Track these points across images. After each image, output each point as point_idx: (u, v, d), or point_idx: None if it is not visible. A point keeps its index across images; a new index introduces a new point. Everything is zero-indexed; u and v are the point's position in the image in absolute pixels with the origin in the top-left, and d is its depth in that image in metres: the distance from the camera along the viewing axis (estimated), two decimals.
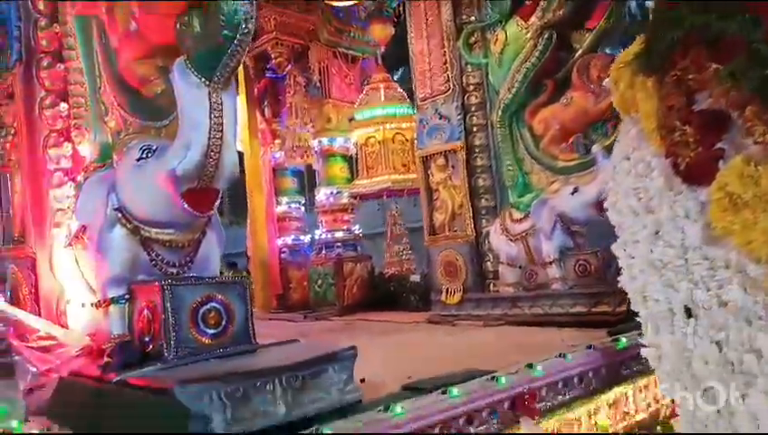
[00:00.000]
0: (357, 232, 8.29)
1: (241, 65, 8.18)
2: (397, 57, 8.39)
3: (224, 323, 2.44)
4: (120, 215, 2.57)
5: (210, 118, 2.35)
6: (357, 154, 7.73)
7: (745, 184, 1.44)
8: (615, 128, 5.07)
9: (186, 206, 2.46)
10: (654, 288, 1.89)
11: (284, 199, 9.01)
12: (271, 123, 8.78)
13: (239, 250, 9.17)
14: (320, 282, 7.78)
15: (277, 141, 8.71)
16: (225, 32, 2.27)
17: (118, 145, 2.76)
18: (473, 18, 5.78)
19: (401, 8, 6.88)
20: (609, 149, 4.84)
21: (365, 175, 7.45)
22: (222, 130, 2.38)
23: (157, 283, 2.37)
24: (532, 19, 5.26)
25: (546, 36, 5.16)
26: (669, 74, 1.80)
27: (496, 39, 5.53)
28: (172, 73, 2.39)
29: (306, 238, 8.84)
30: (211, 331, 2.40)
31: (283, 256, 8.62)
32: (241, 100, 8.40)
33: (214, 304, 2.43)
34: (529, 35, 5.27)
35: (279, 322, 7.19)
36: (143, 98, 2.72)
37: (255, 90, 8.59)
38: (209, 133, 2.35)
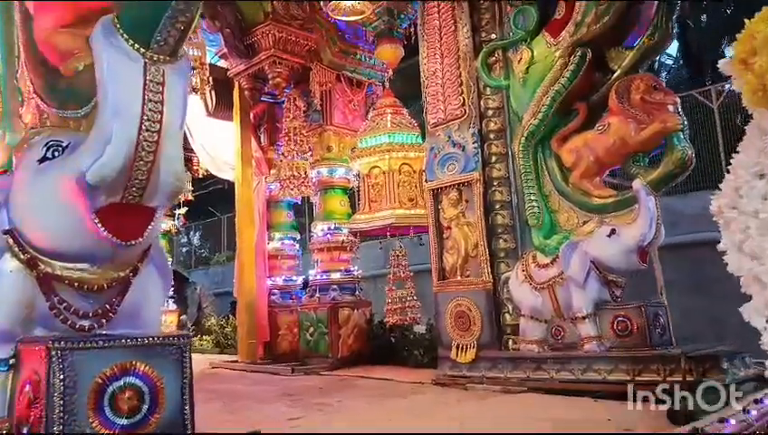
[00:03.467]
0: (356, 273, 7.49)
1: (236, 86, 7.47)
2: (406, 91, 7.76)
3: (145, 407, 1.62)
4: (10, 241, 1.80)
5: (144, 101, 1.61)
6: (359, 186, 6.99)
7: None
8: (658, 159, 4.38)
9: (102, 229, 1.69)
10: None
11: (277, 235, 8.22)
12: (267, 151, 8.12)
13: None
14: (311, 329, 6.96)
15: (273, 171, 7.99)
16: None
17: (21, 143, 2.00)
18: (493, 36, 5.26)
19: (412, 29, 6.27)
20: (652, 184, 4.18)
21: (367, 209, 6.67)
22: (161, 121, 1.64)
23: (42, 345, 1.56)
24: (563, 35, 4.73)
25: (579, 54, 4.63)
26: None
27: (520, 58, 4.96)
28: (92, 37, 1.65)
29: (299, 279, 8.02)
30: (123, 421, 1.59)
31: (272, 298, 7.78)
32: (235, 125, 7.76)
33: (131, 378, 1.62)
34: (559, 53, 4.72)
35: (264, 375, 6.51)
36: (61, 78, 1.96)
37: (251, 115, 7.93)
38: (140, 122, 1.61)
